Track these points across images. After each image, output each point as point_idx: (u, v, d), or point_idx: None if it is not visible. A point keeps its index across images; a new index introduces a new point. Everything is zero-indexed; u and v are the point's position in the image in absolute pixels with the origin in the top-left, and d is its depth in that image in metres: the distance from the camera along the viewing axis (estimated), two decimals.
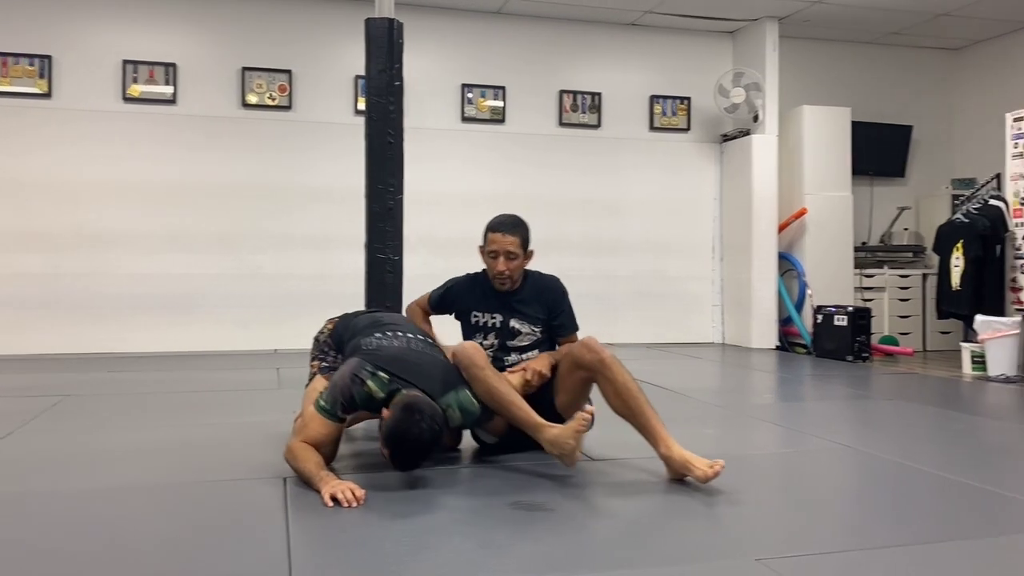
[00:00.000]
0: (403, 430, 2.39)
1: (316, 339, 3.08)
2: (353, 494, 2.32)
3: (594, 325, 7.77)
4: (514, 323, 2.99)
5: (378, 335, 2.77)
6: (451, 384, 2.67)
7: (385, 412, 2.48)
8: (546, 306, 3.03)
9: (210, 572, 1.86)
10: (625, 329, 7.28)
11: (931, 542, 2.09)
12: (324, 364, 2.96)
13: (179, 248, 6.40)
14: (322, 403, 2.56)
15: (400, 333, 2.81)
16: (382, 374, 2.55)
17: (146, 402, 4.14)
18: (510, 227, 2.97)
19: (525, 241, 3.00)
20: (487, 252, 2.99)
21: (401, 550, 1.99)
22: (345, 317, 3.08)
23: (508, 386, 2.72)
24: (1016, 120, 5.68)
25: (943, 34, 7.60)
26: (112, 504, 2.39)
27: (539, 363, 2.90)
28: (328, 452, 2.63)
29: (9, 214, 6.10)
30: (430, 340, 2.90)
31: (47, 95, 6.21)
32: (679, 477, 2.58)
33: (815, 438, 3.39)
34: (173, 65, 6.43)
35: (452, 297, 3.14)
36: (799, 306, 7.02)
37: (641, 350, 6.78)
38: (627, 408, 2.67)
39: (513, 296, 3.02)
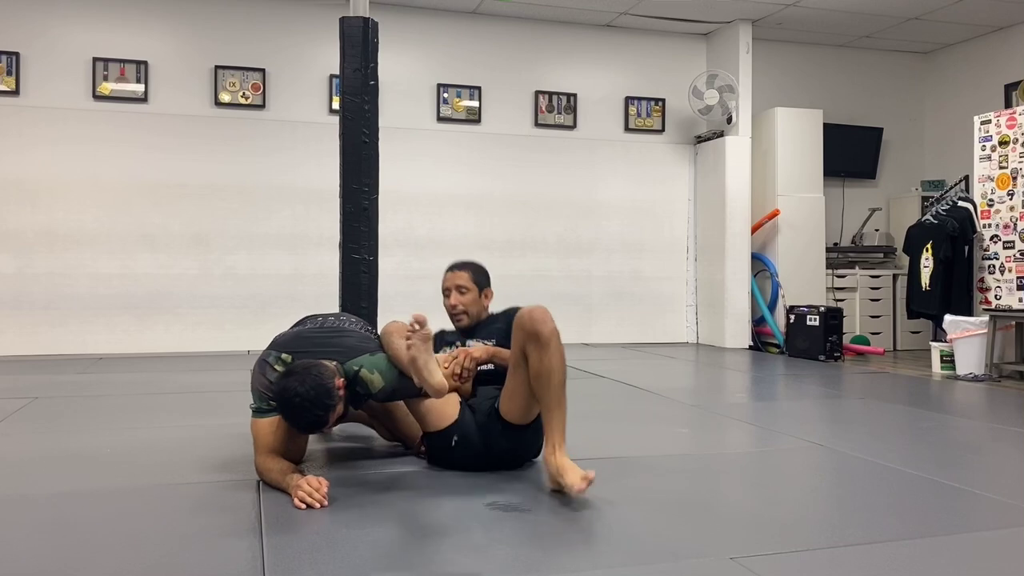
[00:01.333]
0: (281, 396, 2.41)
1: None
2: (318, 492, 2.32)
3: (570, 325, 7.78)
4: (470, 343, 2.94)
5: (290, 328, 2.89)
6: (365, 351, 2.64)
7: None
8: (506, 321, 2.88)
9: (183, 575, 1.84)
10: (601, 329, 7.32)
11: (902, 539, 2.12)
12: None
13: (151, 248, 6.33)
14: (252, 407, 2.62)
15: (319, 320, 2.89)
16: (284, 355, 2.61)
17: (118, 404, 4.09)
18: (460, 265, 3.05)
19: (478, 278, 3.01)
20: (443, 292, 3.03)
21: (376, 553, 1.98)
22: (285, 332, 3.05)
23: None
24: (983, 123, 5.77)
25: (913, 38, 7.71)
26: (83, 507, 2.35)
27: (474, 351, 2.80)
28: (293, 454, 2.61)
29: None
30: (355, 321, 2.96)
31: (15, 93, 6.12)
32: (555, 486, 2.44)
33: (788, 437, 3.42)
34: (144, 63, 6.36)
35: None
36: (772, 306, 7.08)
37: (616, 350, 6.81)
38: (539, 393, 2.51)
39: (473, 328, 3.01)
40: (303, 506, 2.30)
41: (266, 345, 2.80)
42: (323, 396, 2.39)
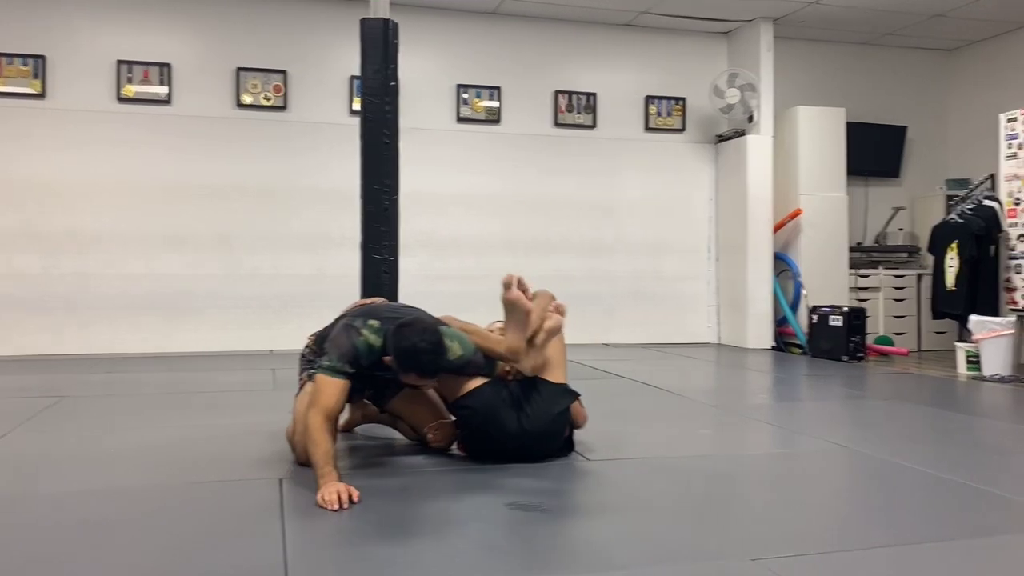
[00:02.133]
0: (405, 344, 2.53)
1: (302, 355, 3.06)
2: (343, 505, 2.30)
3: (591, 326, 7.76)
4: None
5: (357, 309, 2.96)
6: (441, 325, 2.78)
7: (387, 359, 2.58)
8: None
9: (206, 573, 1.86)
10: (622, 329, 7.30)
11: (926, 542, 2.10)
12: (311, 373, 2.95)
13: (174, 249, 6.39)
14: (326, 363, 2.61)
15: (378, 302, 3.08)
16: (372, 321, 2.66)
17: (142, 403, 4.13)
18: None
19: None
20: None
21: (397, 551, 1.99)
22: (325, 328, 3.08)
23: (481, 330, 2.94)
24: (1009, 121, 5.69)
25: (937, 35, 7.63)
26: (108, 505, 2.38)
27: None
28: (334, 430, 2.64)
29: (4, 215, 6.09)
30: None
31: (41, 95, 6.19)
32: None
33: (810, 438, 3.40)
34: (168, 65, 6.42)
35: None
36: (794, 306, 7.03)
37: (638, 350, 6.79)
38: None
39: None
40: (323, 504, 2.31)
41: (303, 342, 3.02)
42: (441, 344, 2.57)
